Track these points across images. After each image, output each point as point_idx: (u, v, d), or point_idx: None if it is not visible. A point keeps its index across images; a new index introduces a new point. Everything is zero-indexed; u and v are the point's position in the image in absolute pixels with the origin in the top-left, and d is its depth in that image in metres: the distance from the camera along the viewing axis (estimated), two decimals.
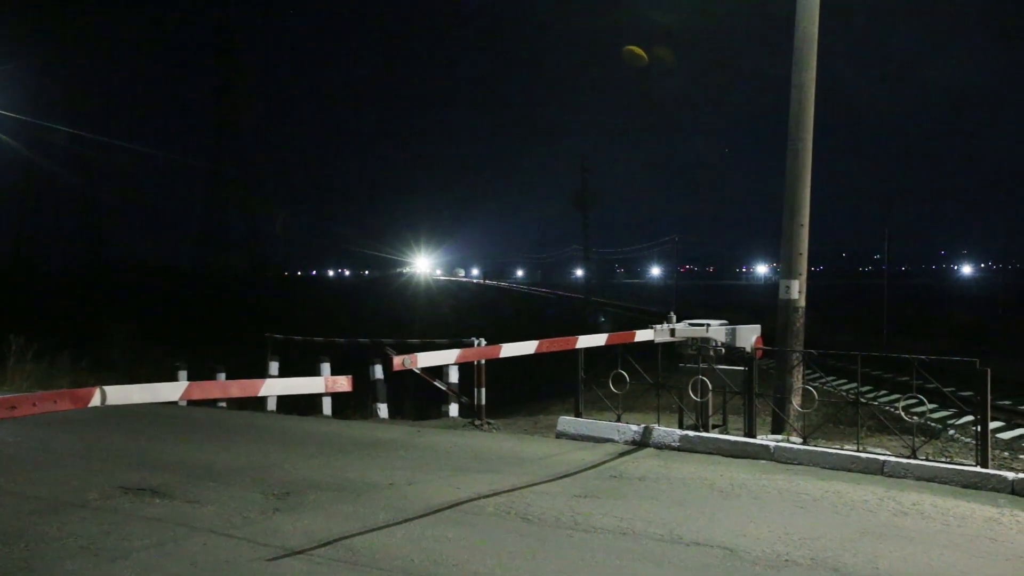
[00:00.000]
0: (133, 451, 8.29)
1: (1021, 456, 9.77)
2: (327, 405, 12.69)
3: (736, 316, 9.46)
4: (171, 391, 5.28)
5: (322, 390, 6.06)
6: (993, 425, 11.55)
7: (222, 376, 13.96)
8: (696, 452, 7.77)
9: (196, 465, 7.50)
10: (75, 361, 17.13)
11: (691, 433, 7.99)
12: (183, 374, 14.54)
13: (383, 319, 37.35)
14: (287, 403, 12.60)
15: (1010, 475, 6.44)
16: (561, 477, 6.94)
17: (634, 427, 8.28)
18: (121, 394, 4.69)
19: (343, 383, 5.64)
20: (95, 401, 4.51)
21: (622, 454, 7.80)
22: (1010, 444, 11.15)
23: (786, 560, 4.86)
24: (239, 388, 5.71)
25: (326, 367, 12.65)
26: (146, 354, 23.16)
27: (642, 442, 8.12)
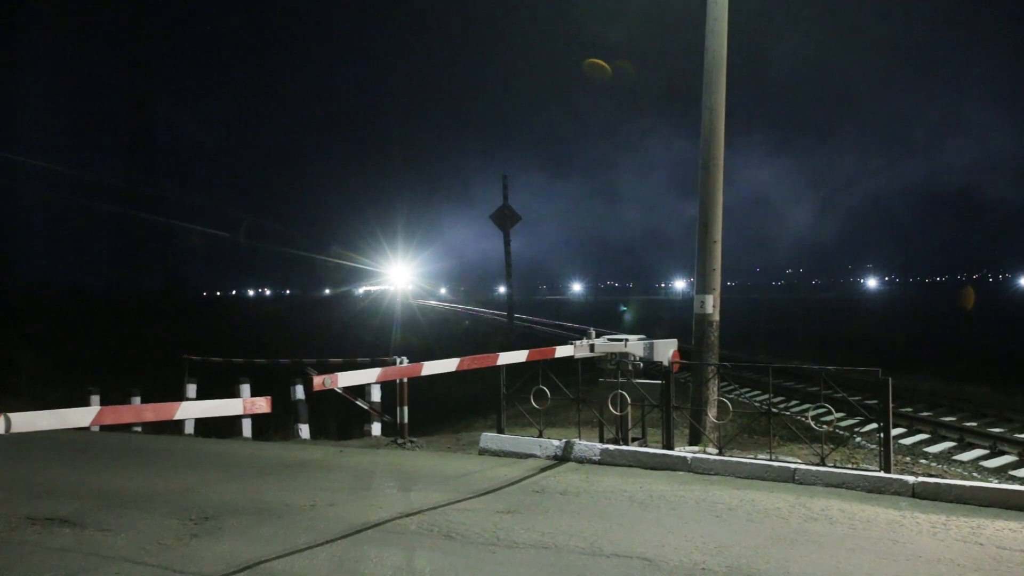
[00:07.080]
0: (41, 480, 7.97)
1: (922, 460, 10.26)
2: (247, 427, 12.45)
3: (655, 331, 9.68)
4: (81, 416, 5.12)
5: (240, 412, 5.98)
6: (896, 432, 12.07)
7: (137, 400, 13.55)
8: (616, 465, 7.91)
9: (109, 492, 7.27)
10: None
11: (611, 447, 8.13)
12: (95, 398, 14.07)
13: (306, 338, 36.80)
14: (206, 426, 12.29)
15: (911, 479, 6.77)
16: (484, 493, 6.99)
17: (555, 442, 8.38)
18: (27, 421, 4.54)
19: (262, 404, 5.57)
20: None
21: (544, 469, 7.89)
22: (911, 449, 11.69)
23: (703, 568, 5.01)
24: (153, 412, 5.57)
25: (246, 388, 12.42)
26: (56, 379, 22.26)
27: (564, 457, 8.22)
